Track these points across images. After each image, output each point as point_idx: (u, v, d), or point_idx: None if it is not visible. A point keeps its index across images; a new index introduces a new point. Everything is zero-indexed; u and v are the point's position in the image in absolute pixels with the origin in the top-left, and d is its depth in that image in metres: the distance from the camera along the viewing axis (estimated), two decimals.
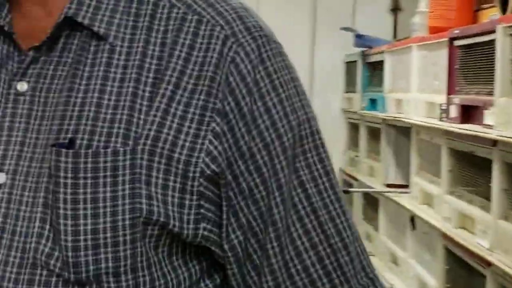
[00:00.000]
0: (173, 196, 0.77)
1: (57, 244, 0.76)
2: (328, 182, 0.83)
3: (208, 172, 0.77)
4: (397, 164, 2.74)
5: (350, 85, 3.39)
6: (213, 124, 0.78)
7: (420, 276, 2.26)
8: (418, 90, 2.33)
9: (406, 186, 2.53)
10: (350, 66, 3.39)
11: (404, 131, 2.61)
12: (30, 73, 0.81)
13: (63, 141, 0.77)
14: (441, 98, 2.05)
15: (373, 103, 2.94)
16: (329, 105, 3.51)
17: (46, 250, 0.76)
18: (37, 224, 0.77)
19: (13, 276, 0.77)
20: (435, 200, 2.15)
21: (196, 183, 0.77)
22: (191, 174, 0.77)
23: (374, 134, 2.94)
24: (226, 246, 0.80)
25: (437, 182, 2.14)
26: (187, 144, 0.77)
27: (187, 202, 0.77)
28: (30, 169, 0.79)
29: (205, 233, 0.79)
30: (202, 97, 0.78)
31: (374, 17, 3.45)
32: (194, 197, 0.77)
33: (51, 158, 0.76)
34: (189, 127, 0.77)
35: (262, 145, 0.79)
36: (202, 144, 0.77)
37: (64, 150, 0.76)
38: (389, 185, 2.69)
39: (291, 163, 0.81)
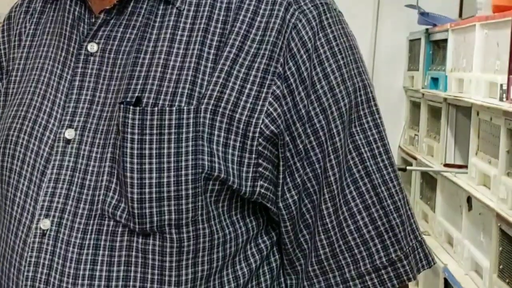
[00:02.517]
0: (233, 154, 0.80)
1: (124, 196, 0.80)
2: (383, 147, 0.86)
3: (267, 132, 0.80)
4: (456, 144, 2.72)
5: (412, 63, 3.37)
6: (274, 87, 0.81)
7: (474, 257, 2.25)
8: (480, 70, 2.31)
9: (465, 167, 2.51)
10: (413, 44, 3.37)
11: (464, 111, 2.59)
12: (100, 35, 0.86)
13: (130, 100, 0.81)
14: (502, 78, 2.03)
15: (435, 82, 2.92)
16: (391, 83, 3.49)
17: (113, 202, 0.81)
18: (105, 177, 0.82)
19: (81, 226, 0.82)
20: (492, 181, 2.14)
21: (255, 143, 0.80)
22: (251, 134, 0.80)
23: (434, 113, 2.93)
24: (281, 205, 0.83)
25: (495, 163, 2.13)
26: (248, 105, 0.80)
27: (246, 160, 0.81)
28: (98, 126, 0.83)
29: (262, 190, 0.82)
30: (264, 60, 0.81)
31: None
32: (253, 156, 0.81)
33: (119, 115, 0.81)
34: (251, 89, 0.81)
35: (320, 109, 0.82)
36: (263, 106, 0.80)
37: (131, 107, 0.80)
38: (447, 165, 2.68)
39: (347, 127, 0.84)
